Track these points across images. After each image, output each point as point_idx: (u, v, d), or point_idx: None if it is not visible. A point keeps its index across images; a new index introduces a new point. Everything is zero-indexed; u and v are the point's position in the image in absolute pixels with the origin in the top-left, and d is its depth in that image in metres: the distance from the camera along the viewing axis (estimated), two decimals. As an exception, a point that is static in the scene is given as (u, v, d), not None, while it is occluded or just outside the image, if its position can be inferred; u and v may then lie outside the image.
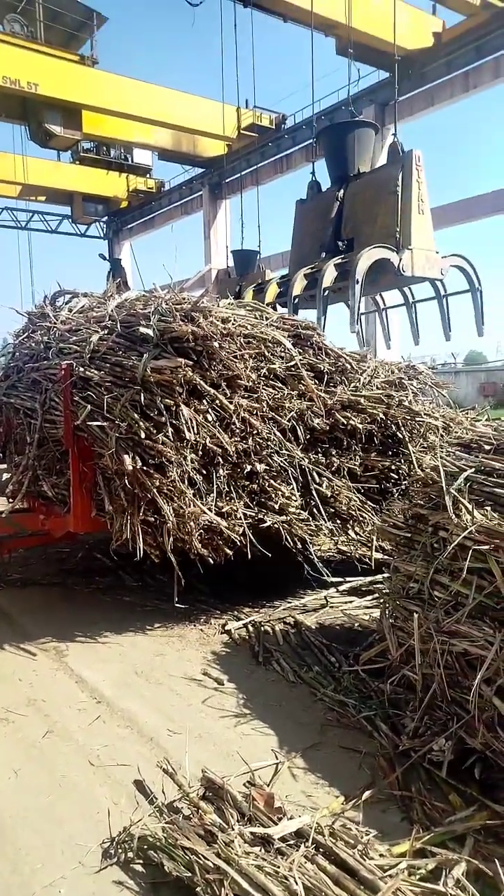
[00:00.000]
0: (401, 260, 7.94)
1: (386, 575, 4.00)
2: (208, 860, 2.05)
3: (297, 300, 8.24)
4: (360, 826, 2.34)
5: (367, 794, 2.54)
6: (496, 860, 2.08)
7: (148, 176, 28.01)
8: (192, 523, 4.00)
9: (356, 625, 4.30)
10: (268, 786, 2.60)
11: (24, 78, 16.83)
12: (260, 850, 2.11)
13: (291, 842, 2.17)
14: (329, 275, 7.85)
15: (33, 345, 5.28)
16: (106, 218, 31.28)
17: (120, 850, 2.28)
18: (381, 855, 2.15)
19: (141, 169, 27.41)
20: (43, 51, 17.49)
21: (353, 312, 7.51)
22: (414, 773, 2.66)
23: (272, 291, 9.07)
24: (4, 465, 5.68)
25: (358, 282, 7.41)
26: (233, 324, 4.46)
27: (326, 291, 7.89)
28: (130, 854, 2.27)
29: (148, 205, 29.52)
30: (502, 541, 2.56)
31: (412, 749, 2.74)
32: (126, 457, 3.87)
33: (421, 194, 8.10)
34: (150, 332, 4.15)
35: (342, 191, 8.87)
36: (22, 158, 22.55)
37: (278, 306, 8.77)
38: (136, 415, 3.95)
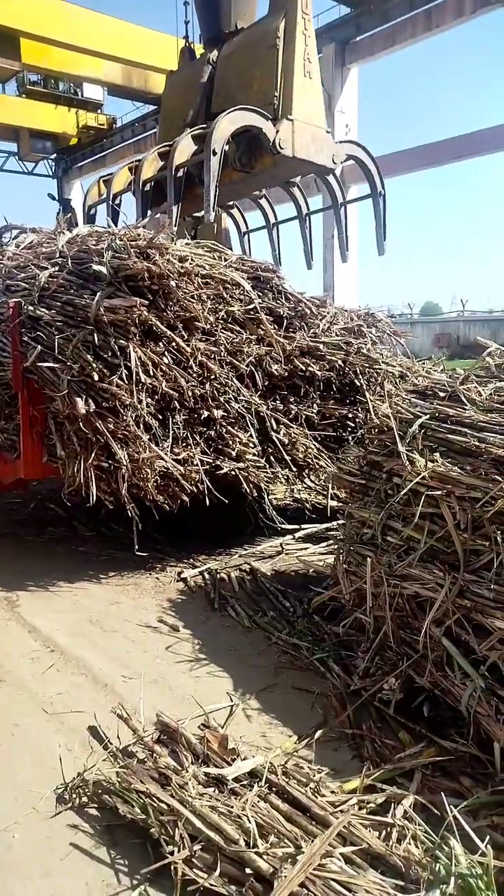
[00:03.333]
0: (277, 132, 6.22)
1: (340, 522, 4.04)
2: (163, 802, 2.07)
3: (148, 186, 6.62)
4: (312, 764, 2.39)
5: (318, 733, 2.59)
6: (441, 793, 2.15)
7: (99, 112, 26.79)
8: (147, 469, 3.95)
9: (311, 571, 4.34)
10: (222, 728, 2.63)
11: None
12: (214, 791, 2.13)
13: (245, 782, 2.20)
14: (184, 149, 6.13)
15: None
16: (55, 156, 29.93)
17: (74, 796, 2.28)
18: (332, 792, 2.20)
19: (91, 104, 26.21)
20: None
21: (208, 193, 5.89)
22: (365, 711, 2.72)
23: (122, 178, 7.13)
24: None
25: (215, 153, 5.86)
26: (190, 263, 4.32)
27: (181, 171, 6.21)
28: (85, 799, 2.27)
29: (99, 142, 28.32)
30: (454, 486, 2.58)
31: (363, 689, 2.80)
32: (79, 399, 3.77)
33: (308, 52, 6.40)
34: (103, 269, 3.99)
35: (215, 53, 7.09)
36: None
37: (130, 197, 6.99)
38: (88, 356, 3.84)
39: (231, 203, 8.52)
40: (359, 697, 2.79)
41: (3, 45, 18.10)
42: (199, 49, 7.85)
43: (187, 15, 7.76)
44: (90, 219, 7.43)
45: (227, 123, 5.98)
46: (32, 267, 4.46)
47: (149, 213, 6.59)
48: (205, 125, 6.32)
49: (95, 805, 2.25)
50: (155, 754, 2.37)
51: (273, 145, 6.22)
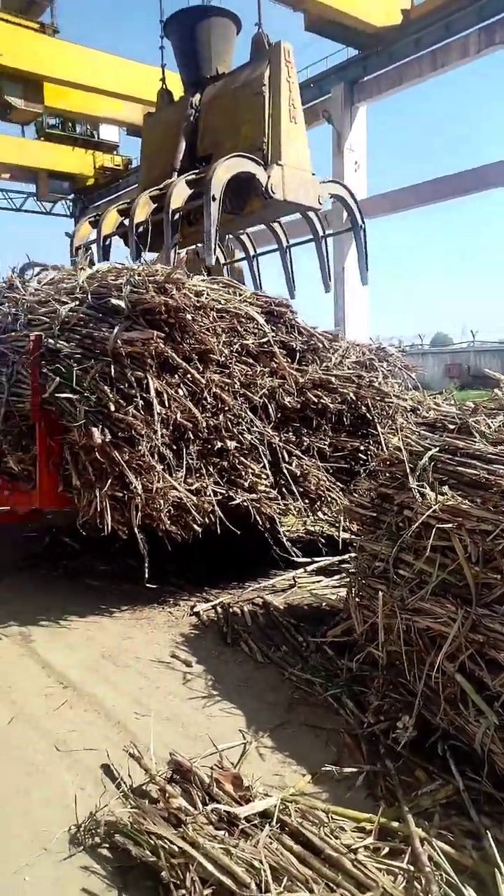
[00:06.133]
0: (269, 178, 6.39)
1: (352, 555, 4.02)
2: (174, 844, 2.04)
3: (141, 228, 6.68)
4: (325, 804, 2.36)
5: (332, 771, 2.56)
6: (460, 833, 2.11)
7: (115, 153, 27.49)
8: (161, 499, 3.97)
9: (324, 604, 4.32)
10: (235, 766, 2.61)
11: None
12: (226, 832, 2.11)
13: (258, 822, 2.18)
14: (179, 193, 6.28)
15: (0, 318, 5.16)
16: (72, 196, 30.66)
17: (86, 836, 2.27)
18: (345, 831, 2.17)
19: (107, 145, 26.92)
20: (1, 17, 16.97)
21: (209, 238, 6.03)
22: (379, 749, 2.69)
23: (110, 221, 7.27)
24: None
25: (214, 199, 5.97)
26: (206, 297, 4.42)
27: (176, 215, 6.34)
28: (97, 840, 2.25)
29: (115, 182, 29.01)
30: (465, 519, 2.58)
31: (377, 726, 2.77)
32: (95, 430, 3.82)
33: (293, 98, 6.59)
34: (121, 303, 4.09)
35: (198, 97, 7.24)
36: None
37: (120, 239, 7.19)
38: (105, 387, 3.90)
39: (241, 231, 8.77)
40: (373, 735, 2.75)
41: (28, 90, 18.74)
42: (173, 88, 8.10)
43: (163, 59, 8.01)
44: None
45: (225, 170, 6.14)
46: (53, 302, 4.57)
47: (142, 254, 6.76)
48: (196, 170, 6.52)
49: (108, 846, 2.23)
50: (167, 794, 2.35)
51: (266, 191, 6.39)
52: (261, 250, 9.03)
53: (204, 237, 6.06)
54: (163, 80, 8.04)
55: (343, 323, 16.27)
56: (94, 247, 7.46)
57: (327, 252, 7.73)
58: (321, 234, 7.54)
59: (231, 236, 8.82)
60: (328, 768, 2.54)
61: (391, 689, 2.86)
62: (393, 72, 17.94)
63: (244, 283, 7.64)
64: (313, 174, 6.96)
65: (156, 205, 6.58)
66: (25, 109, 19.09)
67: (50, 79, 18.57)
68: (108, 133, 26.36)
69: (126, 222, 6.90)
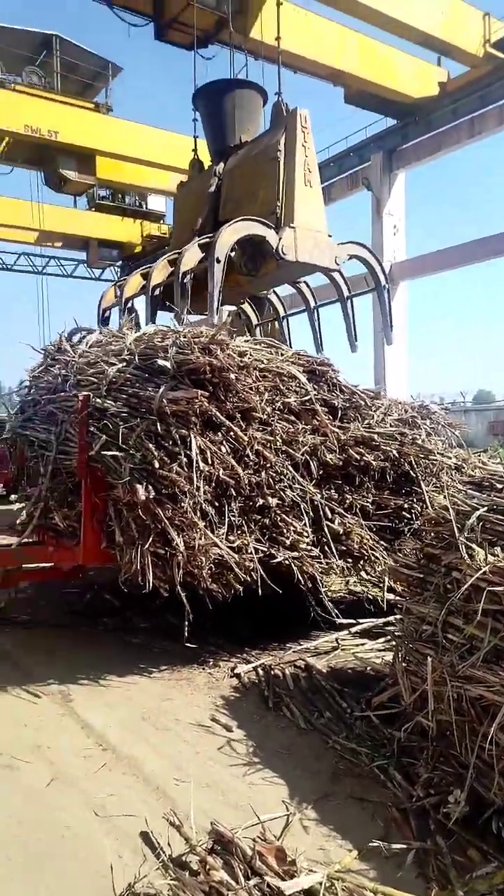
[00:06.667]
0: (280, 239, 6.48)
1: (398, 617, 3.92)
2: (215, 920, 1.96)
3: (157, 291, 6.92)
4: (373, 882, 2.24)
5: (380, 847, 2.43)
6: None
7: (161, 222, 28.68)
8: (202, 556, 3.96)
9: (368, 669, 4.19)
10: (278, 839, 2.50)
11: (44, 126, 17.50)
12: (269, 909, 2.01)
13: (302, 900, 2.08)
14: (192, 257, 6.44)
15: (50, 379, 5.34)
16: (120, 263, 31.94)
17: (124, 908, 2.19)
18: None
19: (155, 215, 28.12)
20: (60, 100, 18.22)
21: (212, 300, 6.19)
22: (429, 825, 2.55)
23: (133, 284, 7.60)
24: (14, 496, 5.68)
25: (219, 261, 6.16)
26: (249, 357, 4.51)
27: (187, 277, 6.49)
28: (135, 912, 2.18)
29: (161, 249, 30.14)
30: (517, 582, 2.50)
31: (426, 800, 2.64)
32: (139, 486, 3.86)
33: (308, 163, 6.71)
34: (167, 363, 4.20)
35: (221, 165, 7.56)
36: (39, 206, 23.20)
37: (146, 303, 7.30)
38: (150, 445, 3.96)
39: (268, 293, 8.93)
40: (422, 809, 2.62)
41: (81, 163, 19.84)
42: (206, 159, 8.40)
43: (195, 130, 8.39)
44: (104, 321, 7.82)
45: (230, 234, 6.32)
46: (101, 363, 4.72)
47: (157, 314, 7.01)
48: (211, 234, 6.66)
49: (145, 920, 2.15)
50: (208, 866, 2.26)
51: (276, 252, 6.51)
52: (293, 311, 9.15)
53: (209, 298, 6.24)
54: (195, 150, 8.36)
55: (383, 381, 16.29)
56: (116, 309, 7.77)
57: (353, 312, 7.73)
58: (346, 294, 7.57)
59: (266, 297, 9.01)
60: (376, 844, 2.42)
61: (441, 760, 2.73)
62: (431, 140, 18.43)
63: (284, 342, 7.81)
64: (329, 235, 7.03)
65: (173, 269, 6.80)
66: (79, 182, 20.15)
67: (102, 153, 19.66)
68: (155, 203, 27.57)
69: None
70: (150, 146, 19.96)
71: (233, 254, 6.58)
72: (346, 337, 7.72)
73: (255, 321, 9.09)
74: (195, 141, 8.41)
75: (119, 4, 13.52)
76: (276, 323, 9.05)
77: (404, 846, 2.43)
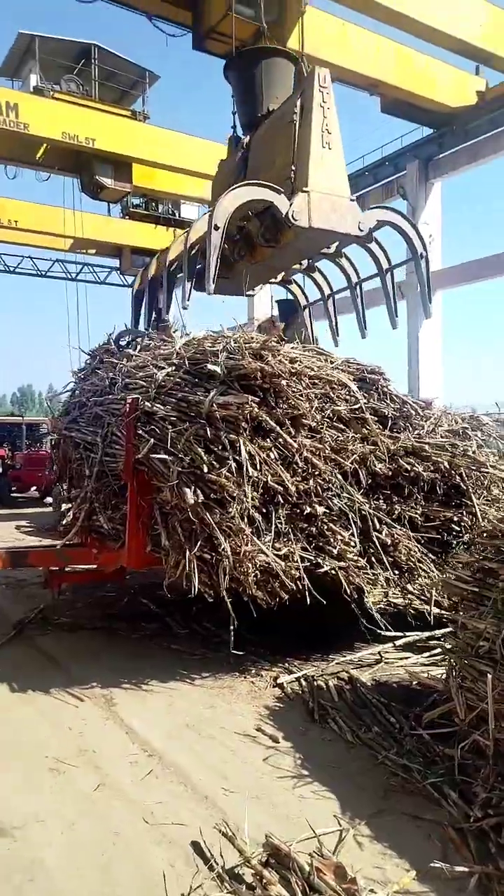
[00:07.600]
0: (291, 205, 5.98)
1: (446, 631, 3.84)
2: (278, 937, 1.92)
3: (173, 266, 6.85)
4: (436, 906, 2.18)
5: (441, 869, 2.36)
6: None
7: (194, 230, 28.84)
8: (248, 563, 3.93)
9: (415, 683, 4.11)
10: (333, 854, 2.46)
11: (81, 133, 17.74)
12: (333, 929, 1.97)
13: (365, 920, 2.03)
14: (199, 228, 6.16)
15: (97, 381, 5.37)
16: (153, 270, 32.17)
17: (180, 920, 2.16)
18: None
19: (187, 223, 28.31)
20: (98, 108, 18.48)
21: (209, 269, 5.76)
22: (489, 847, 2.48)
23: (156, 265, 7.55)
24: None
25: (217, 228, 5.75)
26: (300, 364, 4.49)
27: (195, 249, 6.26)
28: (191, 924, 2.15)
29: (193, 257, 30.36)
30: None
31: (485, 821, 2.57)
32: (188, 490, 3.85)
33: (327, 123, 6.26)
34: (217, 368, 4.19)
35: (248, 137, 7.29)
36: (73, 213, 23.49)
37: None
38: (199, 449, 3.95)
39: (313, 267, 8.46)
40: (480, 830, 2.55)
41: (117, 171, 20.06)
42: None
43: (234, 105, 8.04)
44: (138, 303, 7.84)
45: (231, 200, 5.92)
46: (150, 367, 4.73)
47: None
48: None
49: (203, 933, 2.12)
50: (265, 880, 2.22)
51: (287, 217, 6.08)
52: (337, 290, 8.53)
53: (205, 269, 5.89)
54: (234, 126, 7.95)
55: (416, 392, 16.11)
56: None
57: (394, 286, 7.28)
58: (384, 265, 7.11)
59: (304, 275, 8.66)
60: (437, 865, 2.35)
61: (500, 780, 2.66)
62: (468, 149, 18.29)
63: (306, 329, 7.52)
64: (352, 199, 6.60)
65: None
66: (115, 189, 20.33)
67: (138, 160, 19.84)
68: (188, 212, 27.77)
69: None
70: (185, 154, 20.11)
71: (249, 225, 6.35)
72: (387, 313, 7.21)
73: (303, 302, 8.77)
74: (234, 116, 8.00)
75: (158, 15, 13.66)
76: (302, 315, 8.68)
77: (466, 869, 2.36)
